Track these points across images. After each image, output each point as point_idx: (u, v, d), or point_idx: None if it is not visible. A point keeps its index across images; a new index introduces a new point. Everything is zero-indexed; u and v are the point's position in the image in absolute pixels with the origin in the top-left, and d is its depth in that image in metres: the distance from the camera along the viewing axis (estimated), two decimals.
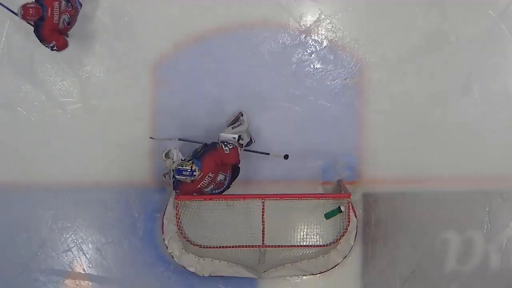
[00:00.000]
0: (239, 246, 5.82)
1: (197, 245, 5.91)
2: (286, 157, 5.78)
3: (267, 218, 5.74)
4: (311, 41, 6.21)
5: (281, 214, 5.92)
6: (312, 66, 6.22)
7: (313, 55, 6.22)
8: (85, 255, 6.30)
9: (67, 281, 6.32)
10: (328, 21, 6.20)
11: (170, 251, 6.13)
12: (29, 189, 6.19)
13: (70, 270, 6.32)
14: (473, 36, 6.20)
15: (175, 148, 5.63)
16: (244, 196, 5.83)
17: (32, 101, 6.16)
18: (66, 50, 5.79)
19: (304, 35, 6.20)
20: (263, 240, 5.77)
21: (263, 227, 5.74)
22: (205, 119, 6.15)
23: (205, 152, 5.50)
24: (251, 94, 6.16)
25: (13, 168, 6.19)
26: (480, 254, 6.34)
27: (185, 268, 6.18)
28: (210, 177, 5.49)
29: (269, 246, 5.82)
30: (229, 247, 5.82)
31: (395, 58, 6.22)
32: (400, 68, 6.23)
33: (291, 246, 5.96)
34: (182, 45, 6.13)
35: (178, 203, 5.75)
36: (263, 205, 5.73)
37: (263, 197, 5.77)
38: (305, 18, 6.19)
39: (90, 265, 6.32)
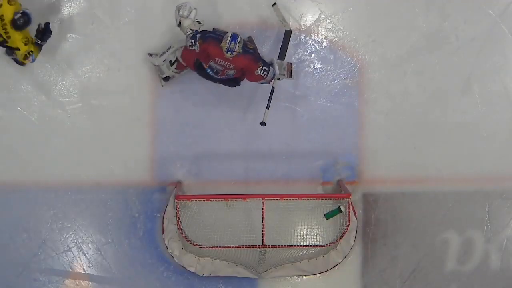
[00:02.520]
0: (239, 246, 5.82)
1: (197, 245, 5.91)
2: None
3: (267, 218, 5.75)
4: (311, 41, 6.21)
5: (281, 214, 5.93)
6: (312, 66, 6.22)
7: (313, 55, 6.22)
8: (85, 255, 6.30)
9: (67, 281, 6.32)
10: (328, 21, 6.20)
11: (170, 251, 6.12)
12: (29, 189, 6.18)
13: (70, 270, 6.31)
14: (473, 36, 6.20)
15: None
16: (244, 196, 5.83)
17: (32, 101, 6.15)
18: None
19: (304, 35, 6.20)
20: (263, 240, 5.77)
21: (263, 227, 5.75)
22: (205, 119, 6.15)
23: (251, 54, 5.50)
24: (251, 94, 6.15)
25: (13, 168, 6.18)
26: (480, 254, 6.34)
27: (185, 268, 6.18)
28: (230, 65, 5.45)
29: (269, 246, 5.82)
30: (229, 247, 5.82)
31: (395, 58, 6.22)
32: (400, 68, 6.23)
33: (291, 246, 5.97)
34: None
35: (178, 203, 5.76)
36: (263, 205, 5.74)
37: (263, 197, 5.77)
38: (305, 18, 6.19)
39: (90, 265, 6.32)
